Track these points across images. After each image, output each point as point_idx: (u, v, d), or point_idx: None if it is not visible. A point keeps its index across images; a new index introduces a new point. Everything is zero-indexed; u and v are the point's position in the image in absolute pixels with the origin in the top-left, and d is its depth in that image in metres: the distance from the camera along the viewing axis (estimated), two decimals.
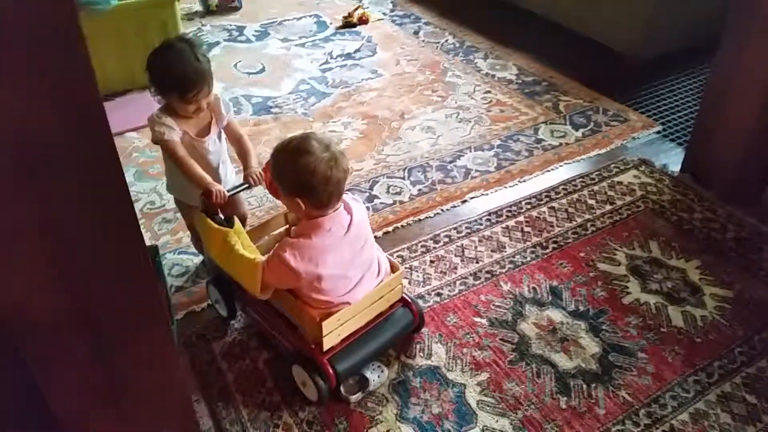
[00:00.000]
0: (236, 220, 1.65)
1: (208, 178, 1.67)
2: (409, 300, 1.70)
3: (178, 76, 1.61)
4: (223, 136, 1.83)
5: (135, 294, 1.14)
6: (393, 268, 1.65)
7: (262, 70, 3.26)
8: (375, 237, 2.13)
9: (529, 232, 2.17)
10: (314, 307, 1.50)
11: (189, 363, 1.75)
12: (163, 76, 1.64)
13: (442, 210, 2.29)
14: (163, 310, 1.21)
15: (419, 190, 2.40)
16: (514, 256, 2.07)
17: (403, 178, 2.46)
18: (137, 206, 2.34)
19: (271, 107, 2.93)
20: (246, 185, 1.73)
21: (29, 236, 0.97)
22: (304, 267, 1.44)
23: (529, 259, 2.06)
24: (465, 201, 2.34)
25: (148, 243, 2.17)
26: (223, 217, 1.66)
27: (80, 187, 0.97)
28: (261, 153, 2.59)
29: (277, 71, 3.25)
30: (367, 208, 2.30)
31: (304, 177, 1.42)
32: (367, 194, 2.37)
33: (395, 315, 1.66)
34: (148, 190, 2.42)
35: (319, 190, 1.42)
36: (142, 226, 2.25)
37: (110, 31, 2.84)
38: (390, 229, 2.21)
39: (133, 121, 2.77)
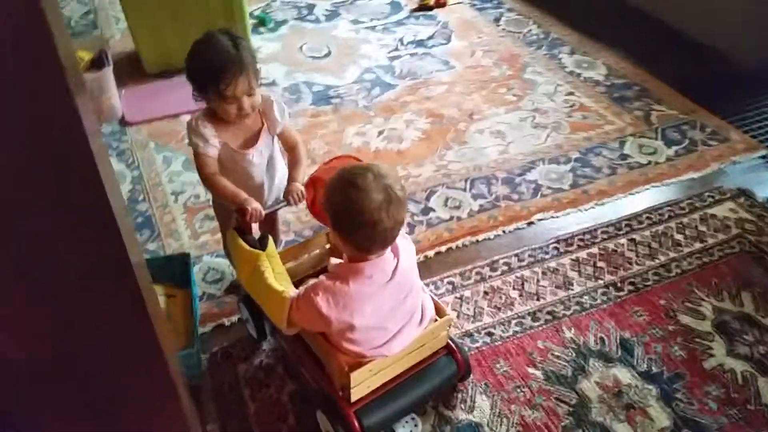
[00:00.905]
0: (270, 240, 1.49)
1: (243, 195, 1.50)
2: (455, 347, 1.50)
3: (212, 65, 1.43)
4: (276, 142, 1.65)
5: (127, 338, 1.01)
6: (439, 312, 1.45)
7: (328, 54, 3.08)
8: (425, 258, 1.95)
9: (602, 268, 1.91)
10: (344, 353, 1.33)
11: (210, 385, 1.63)
12: (198, 68, 1.47)
13: (503, 231, 2.06)
14: (162, 354, 1.06)
15: (480, 205, 2.17)
16: (581, 296, 1.82)
17: (464, 190, 2.24)
18: (181, 199, 2.23)
19: (331, 97, 2.75)
20: (284, 203, 1.56)
21: (3, 277, 0.85)
22: (336, 315, 1.26)
23: (599, 301, 1.81)
24: (531, 223, 2.09)
25: (186, 242, 2.06)
26: (256, 237, 1.51)
27: (62, 225, 0.83)
28: (315, 148, 2.43)
29: (342, 57, 3.05)
30: (420, 222, 2.09)
31: (348, 213, 1.22)
32: (423, 206, 2.16)
33: (437, 364, 1.47)
34: (195, 181, 2.29)
35: (361, 233, 1.22)
36: (183, 222, 2.14)
37: (169, 3, 2.72)
38: (443, 249, 2.00)
39: (191, 103, 2.64)
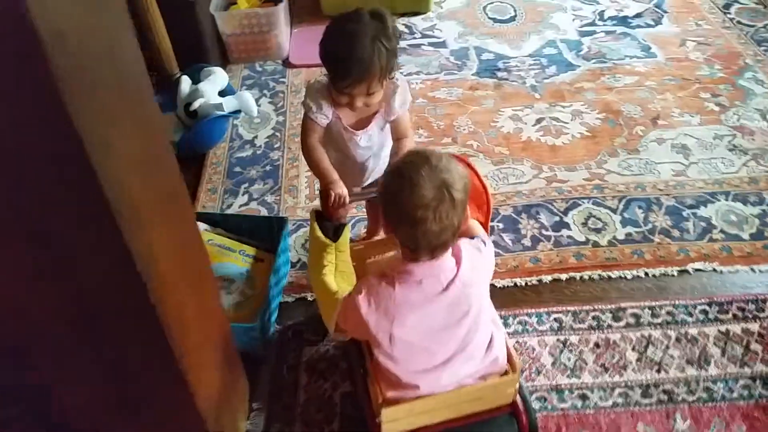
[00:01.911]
0: (346, 231, 1.36)
1: (333, 176, 1.38)
2: (523, 408, 1.26)
3: (336, 59, 1.29)
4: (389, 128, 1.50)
5: (137, 327, 0.96)
6: (510, 363, 1.22)
7: (512, 18, 2.77)
8: (538, 281, 1.70)
9: (756, 353, 1.51)
10: (382, 379, 1.18)
11: (274, 359, 1.58)
12: (325, 49, 1.33)
13: (646, 274, 1.71)
14: (175, 344, 1.00)
15: (628, 234, 1.82)
16: (715, 382, 1.46)
17: (615, 211, 1.89)
18: None
19: (498, 69, 2.48)
20: (375, 194, 1.41)
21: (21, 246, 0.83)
22: (375, 318, 1.12)
23: (736, 395, 1.43)
24: (684, 271, 1.71)
25: (302, 201, 2.00)
26: (336, 225, 1.38)
27: (60, 191, 0.78)
28: (460, 125, 2.22)
29: (527, 24, 2.73)
30: (548, 237, 1.81)
31: (392, 204, 1.09)
32: (557, 219, 1.87)
33: (495, 422, 1.26)
34: None
35: (401, 230, 1.09)
36: (305, 180, 2.08)
37: None
38: (564, 276, 1.71)
39: None
